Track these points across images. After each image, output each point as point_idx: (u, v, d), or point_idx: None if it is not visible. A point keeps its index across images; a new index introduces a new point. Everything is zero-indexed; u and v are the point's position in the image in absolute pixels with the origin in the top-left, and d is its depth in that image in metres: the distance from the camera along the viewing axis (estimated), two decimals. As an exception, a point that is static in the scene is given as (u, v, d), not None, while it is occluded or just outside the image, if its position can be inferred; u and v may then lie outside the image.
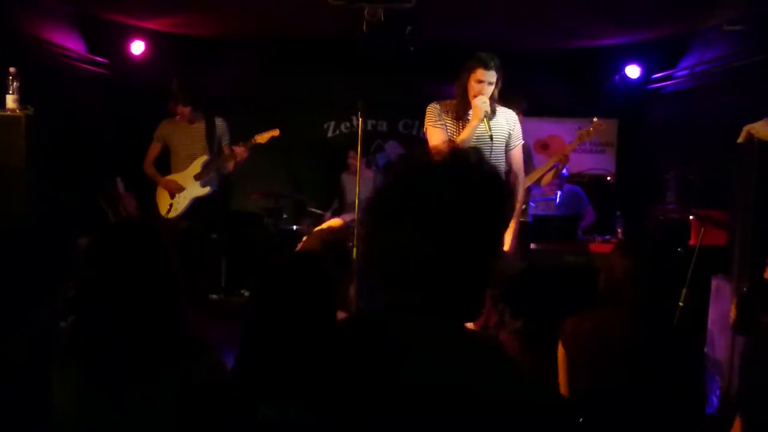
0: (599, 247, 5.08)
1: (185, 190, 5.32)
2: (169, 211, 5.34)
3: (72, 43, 5.65)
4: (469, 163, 1.10)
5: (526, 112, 4.91)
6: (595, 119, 5.02)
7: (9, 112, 3.94)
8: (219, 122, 5.41)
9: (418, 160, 1.12)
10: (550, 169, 5.21)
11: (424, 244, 1.04)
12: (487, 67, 3.65)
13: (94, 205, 5.51)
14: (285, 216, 6.43)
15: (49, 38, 5.27)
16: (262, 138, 5.32)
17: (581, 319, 2.40)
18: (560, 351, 2.39)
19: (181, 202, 5.34)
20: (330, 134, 7.14)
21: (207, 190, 5.34)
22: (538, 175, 4.95)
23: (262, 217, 6.31)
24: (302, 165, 6.94)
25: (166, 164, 5.47)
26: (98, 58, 5.98)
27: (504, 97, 3.95)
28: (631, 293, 2.26)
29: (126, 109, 6.26)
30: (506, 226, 1.14)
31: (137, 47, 6.20)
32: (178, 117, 5.37)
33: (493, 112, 3.75)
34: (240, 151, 5.25)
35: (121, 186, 5.96)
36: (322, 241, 2.51)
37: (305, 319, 1.62)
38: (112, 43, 6.08)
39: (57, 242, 4.68)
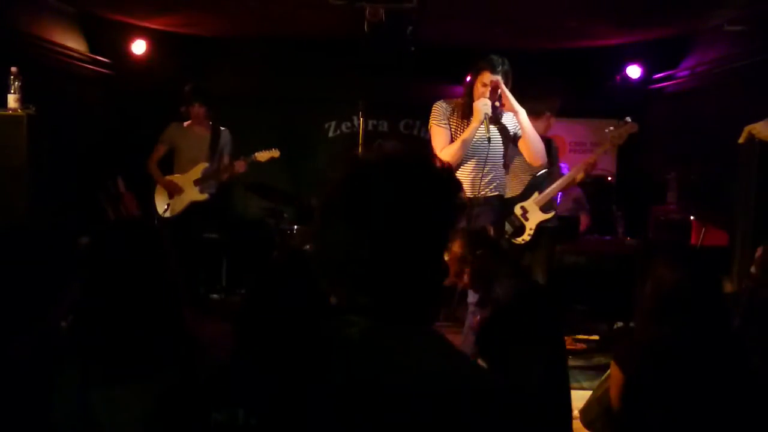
0: None
1: (184, 192, 5.37)
2: (166, 210, 5.39)
3: (74, 42, 5.66)
4: (413, 162, 1.07)
5: (558, 112, 4.74)
6: (628, 119, 4.53)
7: (11, 112, 3.95)
8: (224, 132, 5.49)
9: (361, 159, 1.10)
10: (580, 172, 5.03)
11: (362, 244, 1.02)
12: (493, 71, 3.69)
13: (95, 204, 5.52)
14: (285, 215, 6.43)
15: (51, 38, 5.28)
16: (262, 157, 5.40)
17: (635, 336, 2.29)
18: (613, 371, 2.23)
19: (179, 204, 5.38)
20: (331, 134, 7.14)
21: (204, 196, 5.39)
22: (569, 180, 4.80)
23: (263, 216, 6.31)
24: (303, 165, 6.93)
25: (166, 164, 5.49)
26: (100, 58, 5.99)
27: (537, 96, 3.97)
28: (690, 305, 2.15)
29: (127, 109, 6.27)
30: (452, 227, 1.12)
31: (139, 47, 6.20)
32: (189, 121, 5.41)
33: (496, 115, 3.78)
34: (239, 165, 5.33)
35: (122, 185, 5.97)
36: None
37: (302, 317, 1.61)
38: (113, 42, 6.08)
39: (57, 241, 4.69)
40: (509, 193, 4.18)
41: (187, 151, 5.40)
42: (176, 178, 5.40)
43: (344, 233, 1.03)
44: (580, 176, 4.75)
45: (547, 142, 4.61)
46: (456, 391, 0.95)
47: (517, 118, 3.80)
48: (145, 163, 5.44)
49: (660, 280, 2.17)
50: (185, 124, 5.44)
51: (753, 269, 2.71)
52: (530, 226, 4.26)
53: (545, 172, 4.54)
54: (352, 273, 1.03)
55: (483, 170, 3.73)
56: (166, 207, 5.39)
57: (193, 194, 5.37)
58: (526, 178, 4.37)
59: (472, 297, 3.41)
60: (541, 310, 2.67)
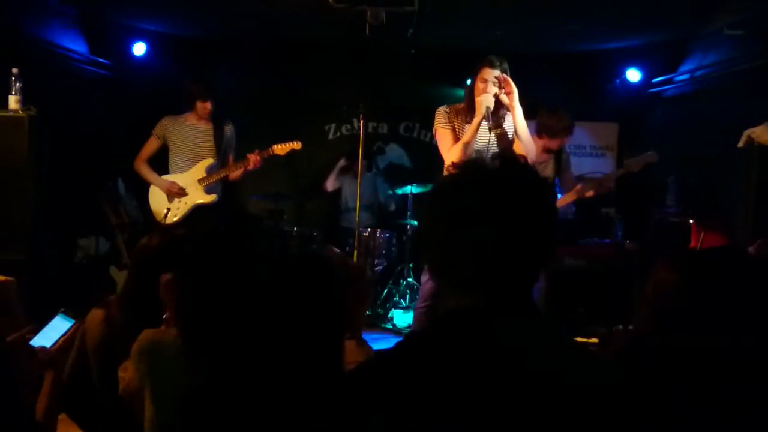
0: None
1: (188, 195, 4.80)
2: (165, 216, 4.80)
3: (74, 44, 5.67)
4: (523, 167, 1.18)
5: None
6: (650, 152, 4.61)
7: (12, 113, 3.97)
8: (228, 127, 4.94)
9: (476, 165, 1.18)
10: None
11: (502, 246, 1.10)
12: (492, 66, 3.71)
13: (95, 205, 5.53)
14: (285, 217, 6.44)
15: (52, 39, 5.29)
16: (281, 149, 4.83)
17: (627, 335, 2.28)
18: None
19: (182, 207, 4.80)
20: (331, 136, 7.15)
21: (213, 197, 4.82)
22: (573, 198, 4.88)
23: (263, 218, 6.31)
24: (302, 167, 6.94)
25: (158, 162, 4.95)
26: (100, 59, 5.99)
27: (551, 117, 4.30)
28: (685, 311, 2.13)
29: (128, 110, 6.27)
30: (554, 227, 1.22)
31: (139, 48, 6.22)
32: (187, 115, 4.84)
33: (496, 113, 3.78)
34: (254, 160, 4.74)
35: (122, 187, 5.97)
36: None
37: (311, 323, 1.56)
38: (114, 44, 6.10)
39: (58, 242, 4.69)
40: None
41: (187, 147, 4.81)
42: (176, 177, 4.82)
43: (477, 237, 1.11)
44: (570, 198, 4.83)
45: (558, 153, 4.70)
46: (603, 385, 1.08)
47: (513, 115, 3.78)
48: (132, 162, 4.89)
49: (660, 284, 2.17)
50: (183, 117, 4.85)
51: None
52: None
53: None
54: (486, 273, 1.11)
55: None
56: (166, 211, 4.80)
57: (199, 196, 4.80)
58: None
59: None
60: None
